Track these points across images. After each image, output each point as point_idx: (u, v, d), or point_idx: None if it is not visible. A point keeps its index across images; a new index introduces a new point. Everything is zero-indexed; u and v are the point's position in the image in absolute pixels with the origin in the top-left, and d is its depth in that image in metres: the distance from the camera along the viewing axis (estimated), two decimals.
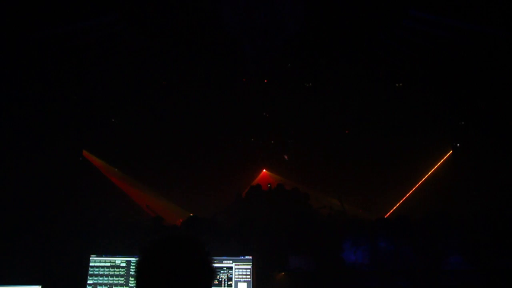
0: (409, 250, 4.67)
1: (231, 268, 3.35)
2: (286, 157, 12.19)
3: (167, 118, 10.49)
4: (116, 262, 3.42)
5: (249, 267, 3.35)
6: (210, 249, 1.83)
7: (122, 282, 3.36)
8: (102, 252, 3.47)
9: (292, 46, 8.32)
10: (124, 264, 3.41)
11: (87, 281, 3.37)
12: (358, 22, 7.59)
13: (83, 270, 3.38)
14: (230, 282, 3.32)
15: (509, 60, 6.84)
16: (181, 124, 10.83)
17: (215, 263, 3.29)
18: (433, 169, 11.46)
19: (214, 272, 1.84)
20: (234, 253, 3.43)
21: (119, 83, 9.27)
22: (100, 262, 3.42)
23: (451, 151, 11.07)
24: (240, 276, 3.34)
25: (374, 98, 9.87)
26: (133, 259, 3.42)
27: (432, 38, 7.42)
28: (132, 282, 3.37)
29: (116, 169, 11.77)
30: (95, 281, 3.38)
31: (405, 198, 11.75)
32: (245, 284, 3.32)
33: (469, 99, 8.91)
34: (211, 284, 1.85)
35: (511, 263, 4.30)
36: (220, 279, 3.33)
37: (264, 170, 13.31)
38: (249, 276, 3.33)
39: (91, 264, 3.41)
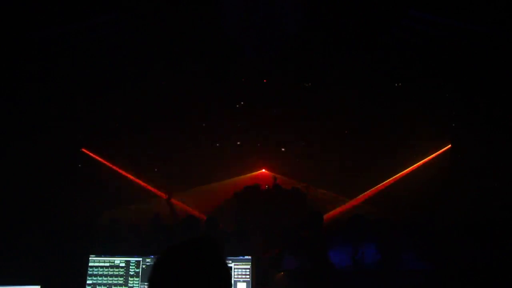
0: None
1: (230, 268, 3.35)
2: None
3: (164, 117, 10.48)
4: (115, 262, 3.41)
5: (249, 267, 3.35)
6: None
7: (121, 282, 3.36)
8: (101, 252, 3.46)
9: (291, 46, 8.33)
10: (123, 264, 3.40)
11: (86, 281, 3.37)
12: (357, 22, 7.60)
13: (82, 270, 3.38)
14: None
15: (508, 59, 6.85)
16: (179, 123, 10.82)
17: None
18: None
19: (229, 275, 1.79)
20: (233, 253, 3.43)
21: (116, 81, 9.25)
22: (99, 262, 3.42)
23: (444, 149, 11.05)
24: (240, 276, 3.33)
25: (373, 98, 9.87)
26: (132, 259, 3.42)
27: (432, 38, 7.43)
28: (131, 282, 3.37)
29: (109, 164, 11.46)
30: (94, 281, 3.37)
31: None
32: (245, 284, 3.32)
33: (468, 99, 8.93)
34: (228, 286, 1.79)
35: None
36: None
37: (263, 170, 13.29)
38: (248, 276, 3.33)
39: (90, 264, 3.41)
